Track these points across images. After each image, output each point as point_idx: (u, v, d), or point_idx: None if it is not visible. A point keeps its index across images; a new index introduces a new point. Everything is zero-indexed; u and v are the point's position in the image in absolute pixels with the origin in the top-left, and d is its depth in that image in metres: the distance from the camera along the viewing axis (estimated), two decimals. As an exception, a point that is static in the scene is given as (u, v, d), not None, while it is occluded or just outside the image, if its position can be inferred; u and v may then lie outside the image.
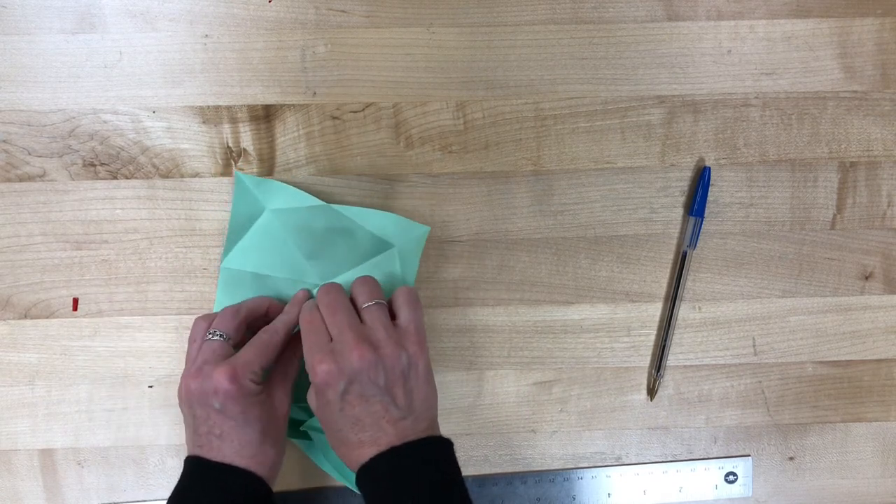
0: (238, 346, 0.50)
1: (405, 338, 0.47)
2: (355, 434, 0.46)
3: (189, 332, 0.51)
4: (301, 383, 0.52)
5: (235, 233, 0.54)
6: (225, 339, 0.49)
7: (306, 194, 0.53)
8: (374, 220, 0.53)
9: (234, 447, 0.47)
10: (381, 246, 0.53)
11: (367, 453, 0.46)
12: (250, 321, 0.52)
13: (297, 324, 0.51)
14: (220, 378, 0.46)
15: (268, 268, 0.53)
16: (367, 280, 0.50)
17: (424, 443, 0.46)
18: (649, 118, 0.55)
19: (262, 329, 0.50)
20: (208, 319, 0.51)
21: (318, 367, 0.45)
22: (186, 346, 0.51)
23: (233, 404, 0.47)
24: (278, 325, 0.50)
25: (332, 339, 0.47)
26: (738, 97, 0.55)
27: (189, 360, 0.50)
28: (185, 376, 0.48)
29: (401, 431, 0.46)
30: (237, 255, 0.54)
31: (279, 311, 0.52)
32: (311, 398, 0.49)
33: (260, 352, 0.48)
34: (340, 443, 0.47)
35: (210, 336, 0.49)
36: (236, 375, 0.46)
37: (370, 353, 0.45)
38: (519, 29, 0.55)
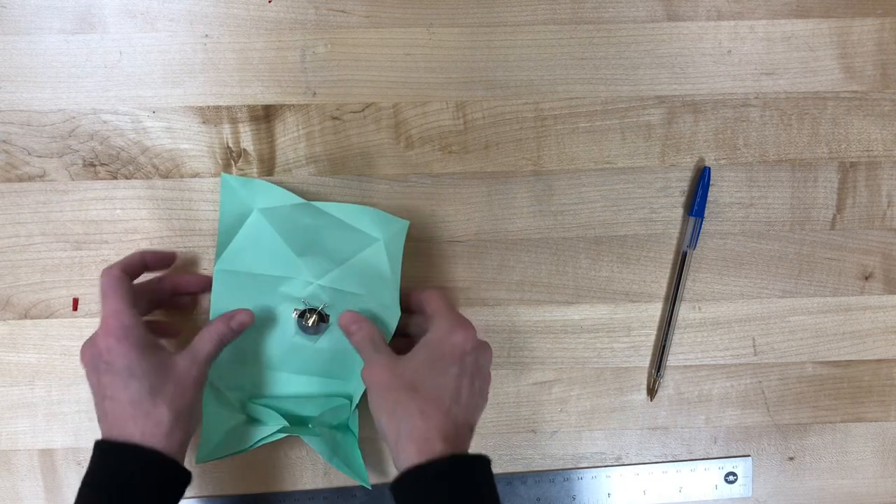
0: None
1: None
2: (447, 401, 0.46)
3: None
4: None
5: (226, 234, 0.53)
6: None
7: (289, 192, 0.53)
8: (353, 215, 0.53)
9: (123, 407, 0.45)
10: (366, 240, 0.53)
11: (415, 451, 0.44)
12: (136, 277, 0.51)
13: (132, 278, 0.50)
14: (97, 337, 0.46)
15: (261, 267, 0.53)
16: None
17: (463, 463, 0.45)
18: (649, 118, 0.55)
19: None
20: None
21: (463, 330, 0.48)
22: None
23: (117, 357, 0.45)
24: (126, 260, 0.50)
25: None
26: (738, 97, 0.55)
27: None
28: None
29: (451, 423, 0.45)
30: (230, 256, 0.53)
31: (155, 259, 0.52)
32: (420, 357, 0.48)
33: (114, 294, 0.47)
34: (408, 413, 0.45)
35: None
36: (109, 328, 0.46)
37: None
38: (519, 29, 0.55)
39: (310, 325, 0.52)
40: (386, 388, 0.47)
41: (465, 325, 0.49)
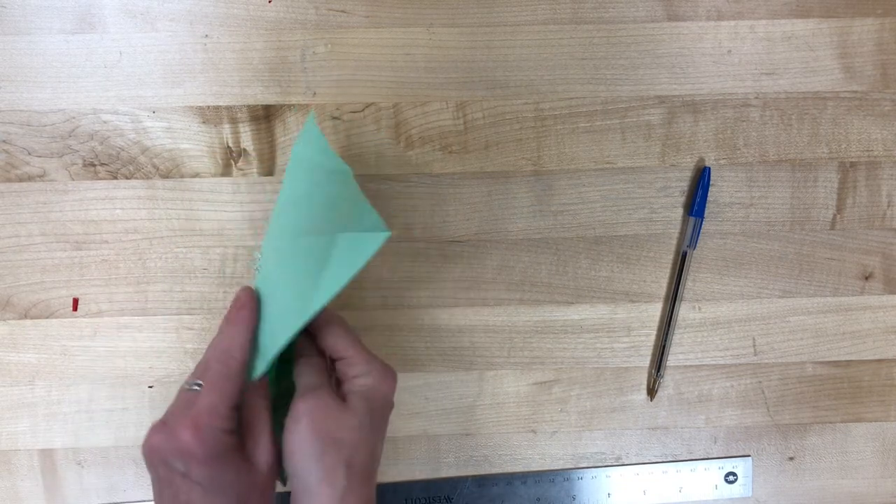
0: None
1: None
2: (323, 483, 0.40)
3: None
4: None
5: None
6: (201, 388, 0.41)
7: (333, 154, 0.45)
8: (349, 196, 0.44)
9: None
10: (329, 225, 0.43)
11: None
12: None
13: (251, 332, 0.43)
14: (182, 434, 0.38)
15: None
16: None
17: None
18: (649, 118, 0.55)
19: (212, 356, 0.42)
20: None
21: (392, 380, 0.42)
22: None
23: (199, 467, 0.38)
24: (231, 345, 0.42)
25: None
26: (738, 97, 0.55)
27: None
28: (149, 429, 0.40)
29: (368, 486, 0.42)
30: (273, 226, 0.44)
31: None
32: (360, 412, 0.42)
33: (221, 388, 0.40)
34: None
35: (187, 387, 0.42)
36: (200, 428, 0.38)
37: None
38: (519, 29, 0.55)
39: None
40: (317, 434, 0.41)
41: (392, 371, 0.43)
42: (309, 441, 0.40)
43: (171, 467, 0.39)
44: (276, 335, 0.43)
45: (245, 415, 0.42)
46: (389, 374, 0.43)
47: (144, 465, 0.55)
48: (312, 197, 0.45)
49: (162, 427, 0.39)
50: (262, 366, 0.43)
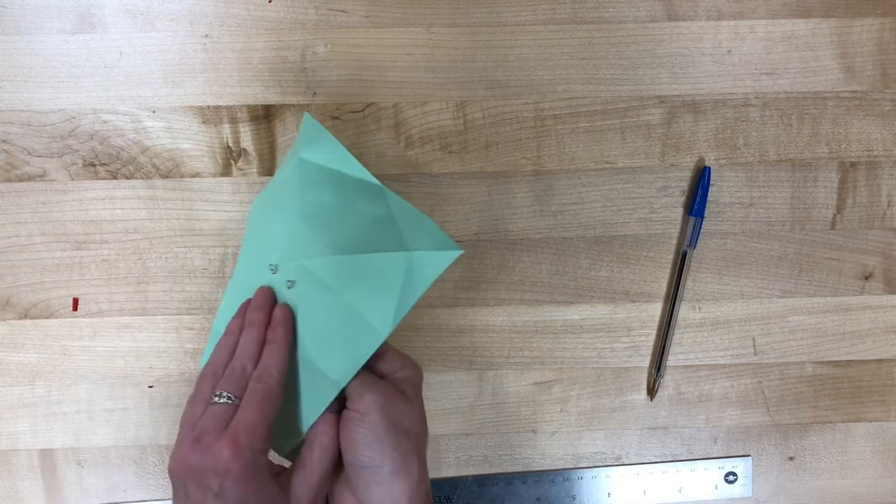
0: None
1: None
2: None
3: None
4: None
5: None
6: (234, 401, 0.40)
7: (357, 163, 0.45)
8: (403, 214, 0.45)
9: None
10: (393, 243, 0.44)
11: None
12: None
13: (289, 350, 0.43)
14: (221, 451, 0.37)
15: (259, 231, 0.46)
16: None
17: None
18: (649, 118, 0.55)
19: (252, 375, 0.41)
20: (215, 374, 0.42)
21: (421, 373, 0.45)
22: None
23: (234, 486, 0.37)
24: (269, 365, 0.41)
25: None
26: (738, 97, 0.55)
27: (185, 423, 0.40)
28: (179, 445, 0.39)
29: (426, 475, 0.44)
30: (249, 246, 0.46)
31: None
32: (416, 403, 0.43)
33: (260, 407, 0.39)
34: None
35: (216, 399, 0.40)
36: (239, 445, 0.37)
37: None
38: (519, 29, 0.55)
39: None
40: (391, 424, 0.40)
41: (419, 366, 0.45)
42: (383, 431, 0.40)
43: (205, 486, 0.37)
44: (343, 355, 0.43)
45: (303, 449, 0.42)
46: (418, 368, 0.45)
47: (145, 466, 0.55)
48: (351, 213, 0.44)
49: (195, 444, 0.38)
50: (333, 391, 0.43)
